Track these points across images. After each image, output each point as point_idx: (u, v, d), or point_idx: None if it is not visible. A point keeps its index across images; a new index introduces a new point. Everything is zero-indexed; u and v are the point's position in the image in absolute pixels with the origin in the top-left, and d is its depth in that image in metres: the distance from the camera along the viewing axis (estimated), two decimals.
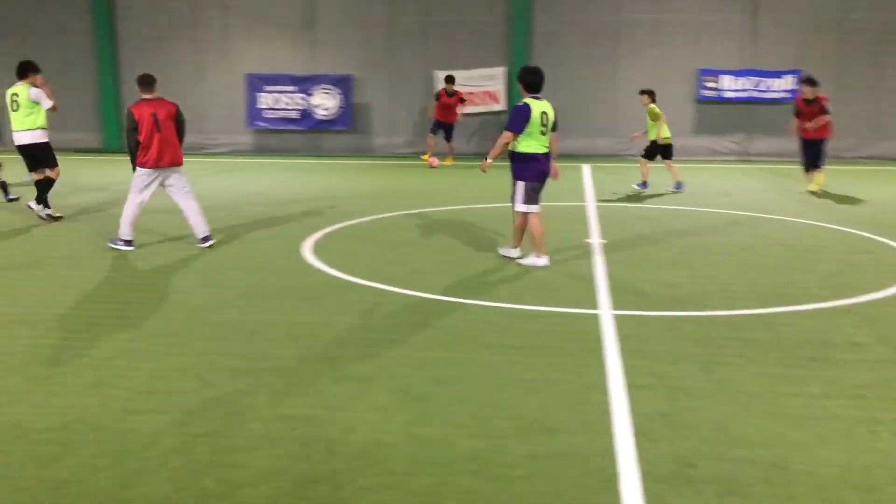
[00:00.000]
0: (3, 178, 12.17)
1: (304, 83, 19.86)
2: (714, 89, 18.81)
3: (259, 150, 20.35)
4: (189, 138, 8.83)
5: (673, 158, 13.55)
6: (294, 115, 20.07)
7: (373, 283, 7.18)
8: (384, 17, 19.76)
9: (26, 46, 21.06)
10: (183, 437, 4.03)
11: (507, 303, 6.57)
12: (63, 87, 20.54)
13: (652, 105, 13.26)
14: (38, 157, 10.32)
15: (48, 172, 10.37)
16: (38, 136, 10.26)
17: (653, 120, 13.34)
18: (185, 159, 8.77)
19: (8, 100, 10.34)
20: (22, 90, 10.21)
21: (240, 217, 10.74)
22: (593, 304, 6.54)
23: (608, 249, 8.66)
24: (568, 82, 18.69)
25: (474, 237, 9.34)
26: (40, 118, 10.28)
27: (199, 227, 8.73)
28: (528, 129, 7.63)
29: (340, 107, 19.92)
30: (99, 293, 6.86)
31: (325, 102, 19.94)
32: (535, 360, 5.20)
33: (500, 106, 19.42)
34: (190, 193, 8.72)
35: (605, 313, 6.26)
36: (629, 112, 18.00)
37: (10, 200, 11.96)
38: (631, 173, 14.64)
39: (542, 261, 7.86)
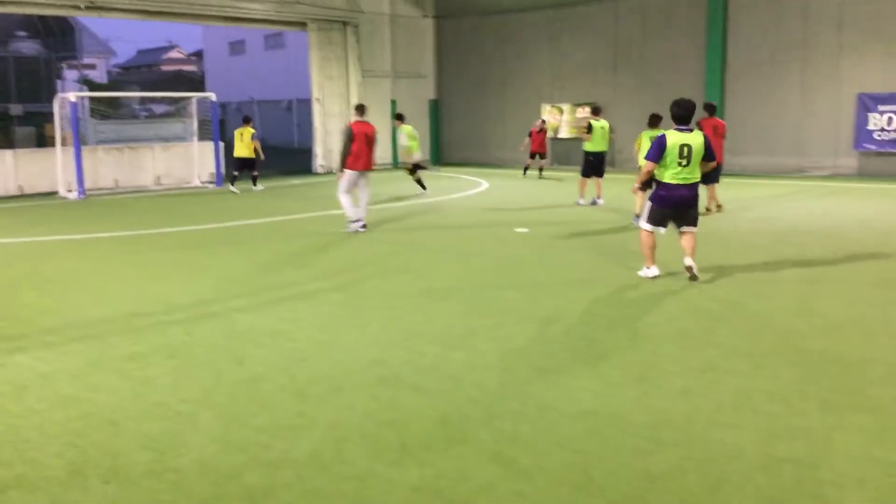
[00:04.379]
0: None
1: None
2: None
3: (864, 174, 18.94)
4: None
5: None
6: None
7: None
8: None
9: (641, 76, 23.15)
10: (767, 459, 4.04)
11: None
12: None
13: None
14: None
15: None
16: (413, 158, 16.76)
17: None
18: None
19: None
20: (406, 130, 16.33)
21: (839, 246, 10.19)
22: None
23: None
24: None
25: None
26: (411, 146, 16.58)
27: (364, 213, 11.99)
28: (664, 161, 7.92)
29: None
30: (654, 308, 7.22)
31: None
32: None
33: None
34: (366, 188, 11.96)
35: None
36: None
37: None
38: None
39: (652, 272, 8.30)
